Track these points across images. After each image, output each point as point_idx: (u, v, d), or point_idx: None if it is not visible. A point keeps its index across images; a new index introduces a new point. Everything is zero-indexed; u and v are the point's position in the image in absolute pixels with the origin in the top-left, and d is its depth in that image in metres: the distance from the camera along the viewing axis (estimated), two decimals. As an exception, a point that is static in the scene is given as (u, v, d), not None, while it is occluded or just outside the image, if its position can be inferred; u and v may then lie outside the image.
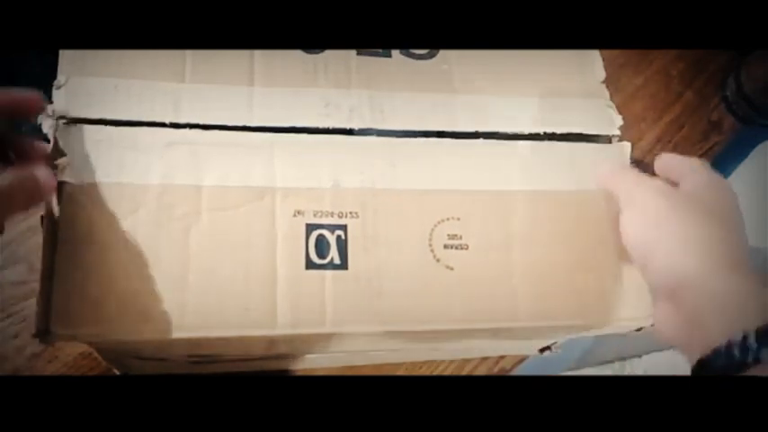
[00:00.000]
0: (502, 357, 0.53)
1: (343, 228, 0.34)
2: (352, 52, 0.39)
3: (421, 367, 0.51)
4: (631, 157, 0.40)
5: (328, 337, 0.35)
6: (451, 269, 0.35)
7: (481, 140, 0.38)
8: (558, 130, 0.39)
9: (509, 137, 0.38)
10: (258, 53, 0.37)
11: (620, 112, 0.40)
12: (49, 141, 0.32)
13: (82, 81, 0.34)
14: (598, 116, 0.40)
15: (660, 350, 0.91)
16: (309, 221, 0.34)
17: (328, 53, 0.38)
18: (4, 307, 0.46)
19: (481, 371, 0.52)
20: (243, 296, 0.32)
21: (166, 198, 0.33)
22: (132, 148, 0.33)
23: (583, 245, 0.37)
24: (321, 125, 0.36)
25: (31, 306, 0.42)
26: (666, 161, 0.36)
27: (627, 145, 0.39)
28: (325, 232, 0.34)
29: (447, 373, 0.51)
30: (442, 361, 0.51)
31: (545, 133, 0.39)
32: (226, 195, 0.33)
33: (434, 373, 0.51)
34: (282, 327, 0.32)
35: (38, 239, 0.32)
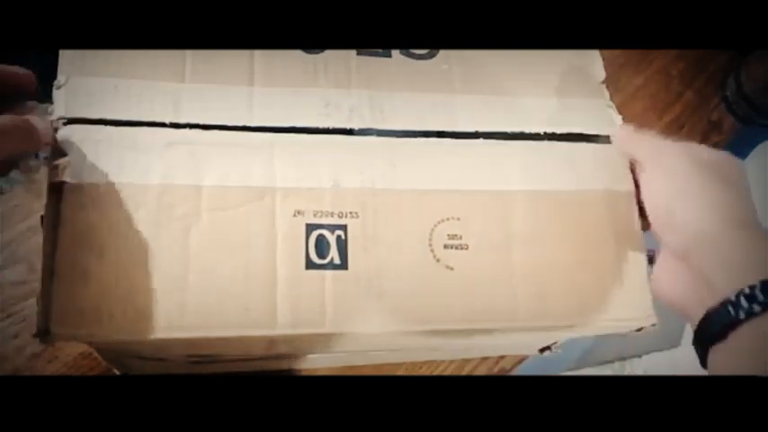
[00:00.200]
0: (502, 357, 0.53)
1: (343, 228, 0.34)
2: (352, 52, 0.39)
3: (421, 367, 0.51)
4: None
5: (328, 337, 0.35)
6: (451, 269, 0.35)
7: (481, 140, 0.38)
8: (559, 130, 0.39)
9: (509, 137, 0.38)
10: (258, 53, 0.37)
11: (620, 112, 0.40)
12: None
13: (82, 81, 0.34)
14: (598, 116, 0.40)
15: (660, 350, 0.91)
16: (309, 221, 0.34)
17: (328, 53, 0.38)
18: (4, 307, 0.46)
19: (481, 371, 0.52)
20: (243, 296, 0.32)
21: (166, 198, 0.33)
22: (132, 148, 0.33)
23: (583, 245, 0.37)
24: (321, 125, 0.36)
25: (31, 306, 0.42)
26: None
27: (627, 145, 0.39)
28: (326, 232, 0.34)
29: (447, 373, 0.51)
30: (442, 361, 0.51)
31: (545, 133, 0.39)
32: (226, 195, 0.33)
33: (434, 373, 0.51)
34: (282, 327, 0.32)
35: (38, 239, 0.32)
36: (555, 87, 0.41)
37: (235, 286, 0.32)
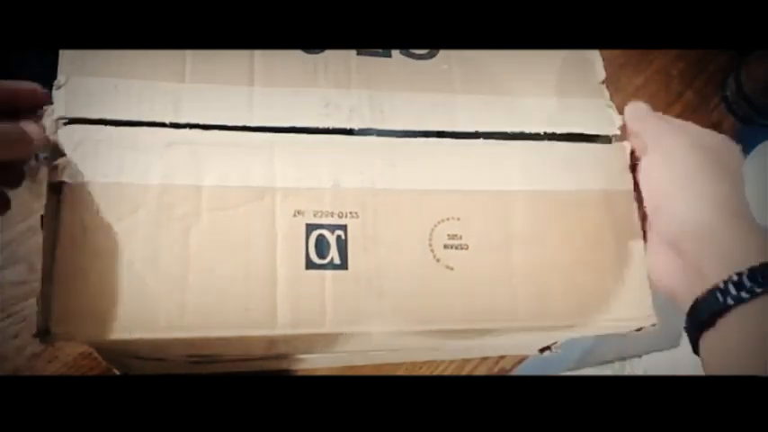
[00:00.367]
0: (502, 357, 0.53)
1: (343, 228, 0.34)
2: (352, 52, 0.39)
3: (421, 367, 0.51)
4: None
5: (328, 337, 0.35)
6: (451, 269, 0.35)
7: (481, 140, 0.38)
8: (559, 130, 0.39)
9: (509, 137, 0.38)
10: (258, 53, 0.37)
11: (621, 112, 0.40)
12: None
13: (82, 81, 0.34)
14: (598, 116, 0.40)
15: (660, 350, 0.90)
16: (309, 221, 0.34)
17: (328, 53, 0.38)
18: (4, 307, 0.46)
19: (481, 371, 0.52)
20: (243, 296, 0.32)
21: (166, 198, 0.33)
22: (132, 148, 0.33)
23: (583, 245, 0.37)
24: (321, 125, 0.36)
25: (31, 306, 0.42)
26: (664, 119, 0.38)
27: (627, 145, 0.39)
28: (326, 232, 0.34)
29: (447, 373, 0.51)
30: (442, 361, 0.51)
31: (545, 133, 0.39)
32: (226, 195, 0.33)
33: (434, 373, 0.51)
34: (282, 327, 0.32)
35: (38, 239, 0.32)
36: (555, 87, 0.41)
37: (235, 286, 0.32)
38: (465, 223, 0.36)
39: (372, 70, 0.38)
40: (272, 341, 0.36)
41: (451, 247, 0.35)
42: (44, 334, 0.30)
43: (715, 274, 0.29)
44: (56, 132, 0.33)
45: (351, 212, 0.34)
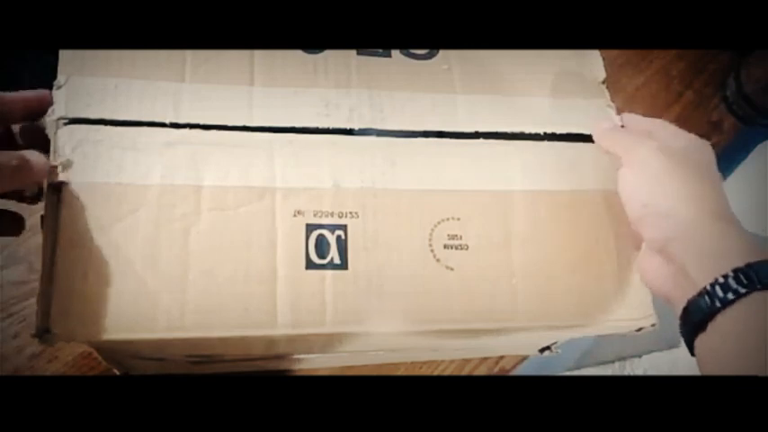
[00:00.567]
0: (502, 357, 0.53)
1: (344, 228, 0.34)
2: (352, 52, 0.39)
3: (421, 367, 0.51)
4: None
5: (328, 337, 0.35)
6: (451, 269, 0.35)
7: (481, 140, 0.38)
8: (559, 131, 0.39)
9: (509, 137, 0.38)
10: (258, 53, 0.37)
11: (621, 112, 0.40)
12: (48, 142, 0.32)
13: (82, 81, 0.34)
14: (598, 116, 0.40)
15: (660, 350, 0.91)
16: (309, 221, 0.34)
17: (328, 53, 0.38)
18: (5, 307, 0.46)
19: (481, 371, 0.52)
20: (243, 296, 0.32)
21: (166, 198, 0.33)
22: (132, 148, 0.33)
23: (583, 245, 0.37)
24: (321, 125, 0.36)
25: (31, 306, 0.42)
26: (633, 120, 0.38)
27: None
28: (326, 232, 0.34)
29: (447, 373, 0.51)
30: (442, 361, 0.51)
31: (545, 133, 0.39)
32: (226, 195, 0.33)
33: (434, 373, 0.51)
34: (282, 327, 0.32)
35: (38, 239, 0.32)
36: (555, 87, 0.41)
37: (235, 286, 0.32)
38: (465, 223, 0.36)
39: (372, 70, 0.38)
40: (272, 341, 0.36)
41: (451, 247, 0.35)
42: (44, 334, 0.30)
43: (702, 277, 0.29)
44: (56, 132, 0.33)
45: (351, 212, 0.34)
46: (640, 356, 0.91)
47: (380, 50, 0.39)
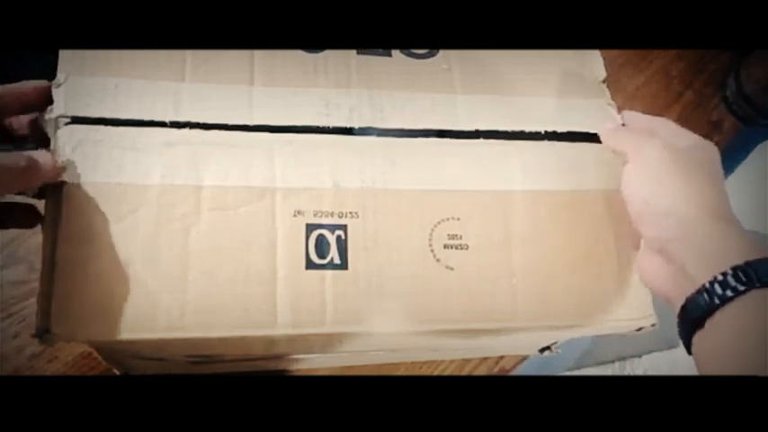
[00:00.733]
0: (502, 357, 0.53)
1: (344, 228, 0.34)
2: (352, 52, 0.39)
3: (421, 367, 0.51)
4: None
5: (328, 337, 0.35)
6: (451, 269, 0.35)
7: (481, 140, 0.38)
8: (559, 130, 0.39)
9: (509, 136, 0.38)
10: (258, 53, 0.37)
11: (621, 112, 0.40)
12: (49, 141, 0.32)
13: (81, 81, 0.34)
14: (599, 116, 0.40)
15: (660, 350, 0.91)
16: (309, 221, 0.34)
17: (328, 53, 0.38)
18: (5, 307, 0.46)
19: (481, 371, 0.52)
20: (243, 296, 0.32)
21: (166, 198, 0.33)
22: (132, 148, 0.33)
23: (583, 245, 0.37)
24: (321, 125, 0.36)
25: (31, 306, 0.42)
26: (635, 118, 0.38)
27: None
28: (326, 232, 0.34)
29: (447, 373, 0.51)
30: (442, 361, 0.51)
31: (545, 133, 0.39)
32: (226, 195, 0.33)
33: (434, 373, 0.51)
34: (282, 327, 0.32)
35: (38, 239, 0.32)
36: (555, 87, 0.41)
37: (235, 286, 0.32)
38: (465, 223, 0.36)
39: (372, 70, 0.38)
40: (272, 341, 0.36)
41: (451, 247, 0.35)
42: (44, 334, 0.30)
43: (701, 275, 0.29)
44: (55, 132, 0.33)
45: (351, 212, 0.34)
46: (640, 356, 0.91)
47: (380, 50, 0.39)
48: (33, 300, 0.30)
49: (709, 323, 0.29)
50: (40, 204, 0.33)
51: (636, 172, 0.34)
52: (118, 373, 0.42)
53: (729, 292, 0.28)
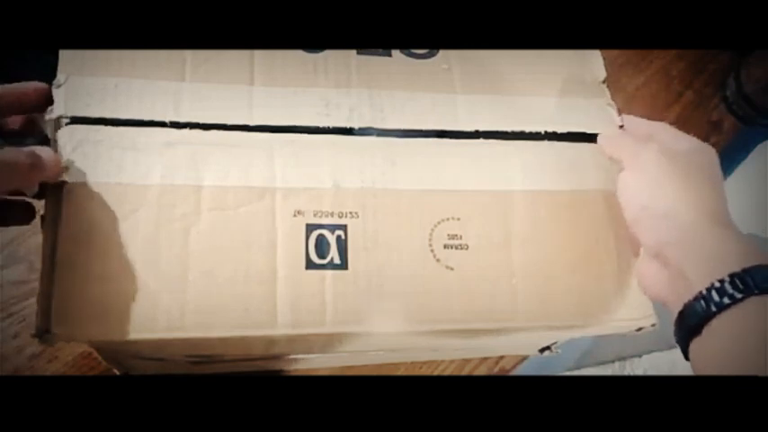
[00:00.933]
0: (502, 357, 0.53)
1: (344, 228, 0.34)
2: (352, 52, 0.39)
3: (421, 367, 0.51)
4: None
5: (328, 337, 0.35)
6: (451, 269, 0.35)
7: (481, 140, 0.38)
8: (559, 130, 0.39)
9: (509, 136, 0.38)
10: (258, 53, 0.37)
11: (621, 113, 0.40)
12: (47, 140, 0.32)
13: (81, 81, 0.34)
14: (599, 116, 0.40)
15: (660, 350, 0.90)
16: (309, 221, 0.34)
17: (328, 53, 0.38)
18: (5, 307, 0.46)
19: (481, 371, 0.52)
20: (243, 296, 0.32)
21: (166, 198, 0.33)
22: (132, 148, 0.33)
23: (583, 245, 0.37)
24: (321, 125, 0.36)
25: (31, 306, 0.42)
26: (634, 123, 0.39)
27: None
28: (326, 232, 0.34)
29: (447, 373, 0.51)
30: (442, 361, 0.51)
31: (545, 133, 0.39)
32: (225, 195, 0.33)
33: (434, 373, 0.51)
34: (282, 327, 0.32)
35: (38, 239, 0.32)
36: (555, 87, 0.41)
37: (235, 286, 0.32)
38: (465, 223, 0.36)
39: (372, 70, 0.38)
40: (272, 341, 0.36)
41: (451, 247, 0.35)
42: (44, 334, 0.30)
43: (699, 279, 0.29)
44: (56, 132, 0.33)
45: (351, 212, 0.34)
46: (640, 356, 0.91)
47: (380, 50, 0.39)
48: (33, 300, 0.30)
49: (706, 330, 0.29)
50: (40, 205, 0.32)
51: (633, 177, 0.34)
52: (118, 373, 0.42)
53: (726, 300, 0.28)
